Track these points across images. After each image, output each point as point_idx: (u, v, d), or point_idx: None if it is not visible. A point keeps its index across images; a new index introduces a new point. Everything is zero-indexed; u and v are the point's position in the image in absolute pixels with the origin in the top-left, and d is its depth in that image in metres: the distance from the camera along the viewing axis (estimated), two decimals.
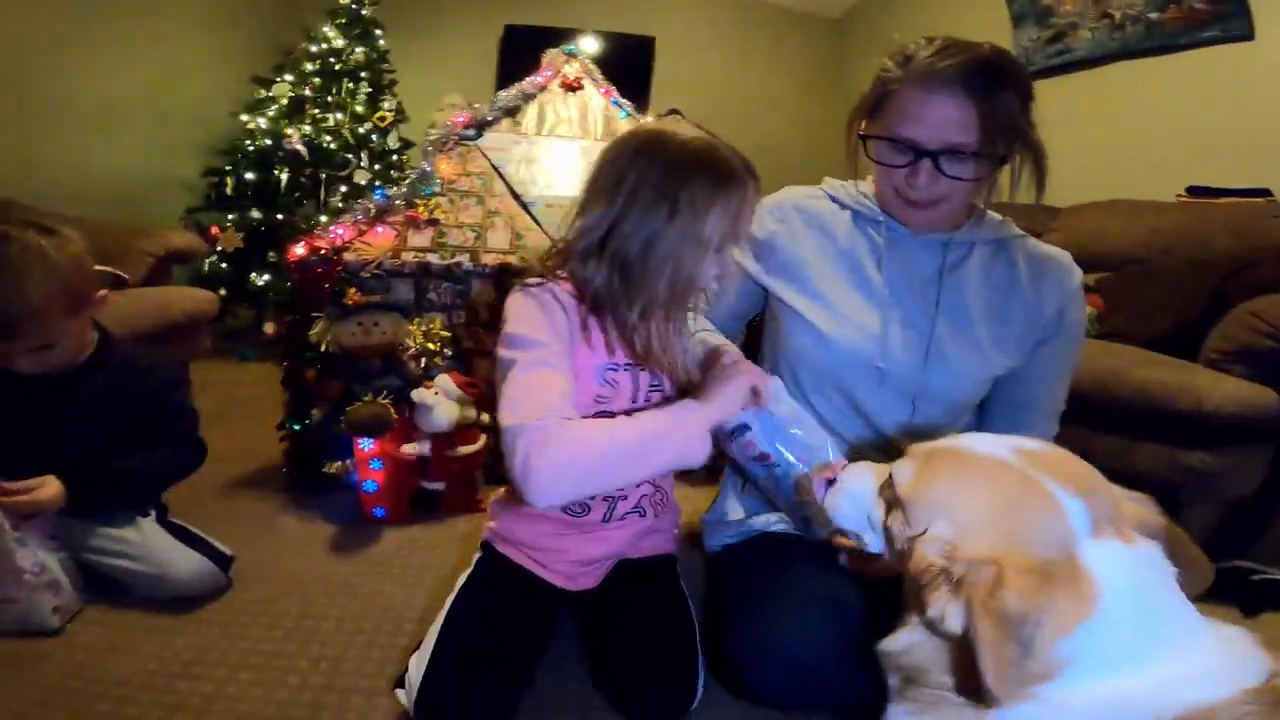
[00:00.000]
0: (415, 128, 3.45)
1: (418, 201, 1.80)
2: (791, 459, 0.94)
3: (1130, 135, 2.80)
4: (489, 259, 1.77)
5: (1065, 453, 0.67)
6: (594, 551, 1.07)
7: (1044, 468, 0.63)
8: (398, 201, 1.78)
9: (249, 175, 3.18)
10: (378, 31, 3.48)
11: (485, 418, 1.64)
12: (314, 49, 3.34)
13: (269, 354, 2.83)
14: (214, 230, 3.06)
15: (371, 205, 1.75)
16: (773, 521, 1.12)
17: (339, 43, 3.35)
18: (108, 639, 1.13)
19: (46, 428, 1.20)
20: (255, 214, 3.15)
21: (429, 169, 1.84)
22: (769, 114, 4.78)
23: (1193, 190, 2.30)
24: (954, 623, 0.58)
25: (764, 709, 1.02)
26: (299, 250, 1.62)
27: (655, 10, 4.70)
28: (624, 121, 2.15)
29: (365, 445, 1.53)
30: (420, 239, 1.77)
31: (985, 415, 1.12)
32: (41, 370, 1.17)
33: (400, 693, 0.97)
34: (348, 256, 1.65)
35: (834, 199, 1.13)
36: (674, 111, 3.95)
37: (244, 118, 3.28)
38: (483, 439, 1.63)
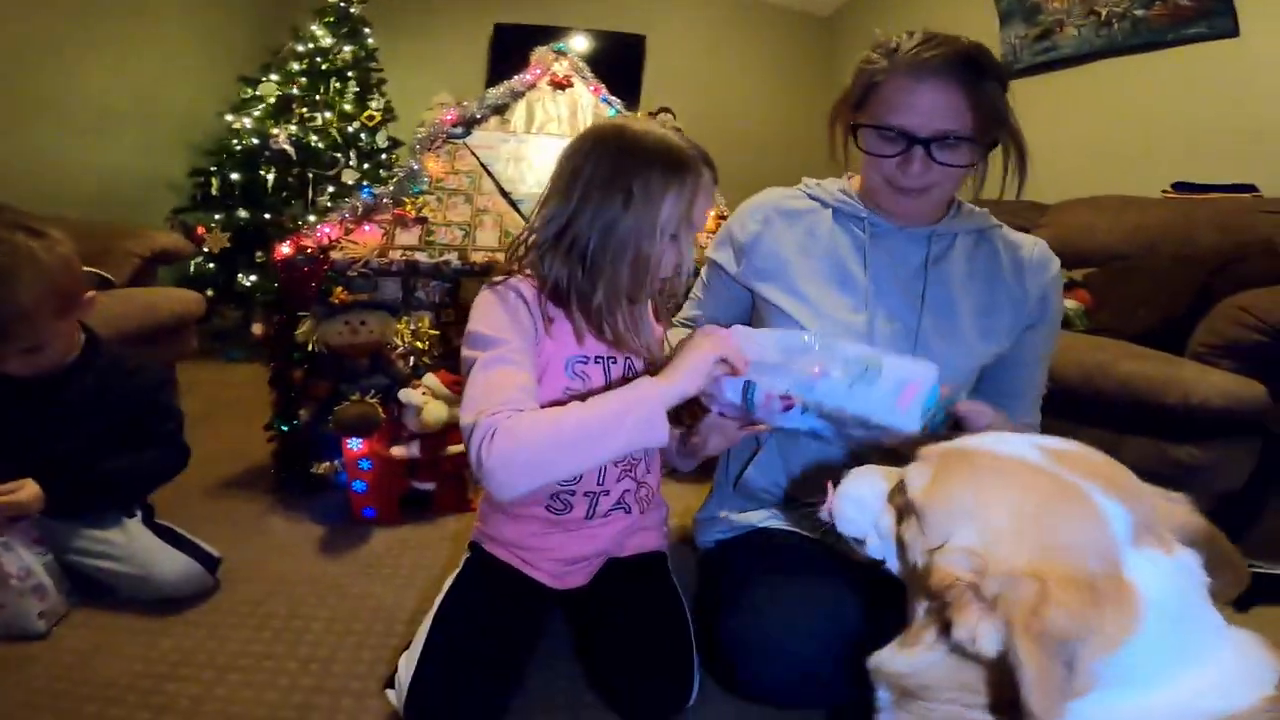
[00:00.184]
0: (404, 127, 3.42)
1: (405, 200, 1.79)
2: (839, 375, 0.85)
3: (1117, 131, 2.82)
4: (477, 257, 1.76)
5: (1094, 451, 0.61)
6: (580, 549, 1.07)
7: (1076, 468, 0.57)
8: (385, 200, 1.77)
9: (235, 175, 3.15)
10: (366, 30, 3.45)
11: None
12: (301, 48, 3.31)
13: (256, 354, 2.81)
14: (200, 230, 3.03)
15: (359, 204, 1.74)
16: (766, 517, 1.12)
17: (327, 41, 3.31)
18: (94, 641, 1.13)
19: (35, 429, 1.20)
20: (242, 214, 3.12)
21: (417, 167, 1.83)
22: (759, 111, 4.80)
23: (1179, 186, 2.32)
24: (988, 644, 0.51)
25: (759, 706, 1.01)
26: (285, 249, 1.60)
27: (646, 8, 4.69)
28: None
29: (354, 445, 1.52)
30: (408, 237, 1.76)
31: None
32: (30, 372, 1.16)
33: (390, 693, 0.97)
34: (334, 255, 1.63)
35: (814, 198, 1.13)
36: (664, 110, 3.95)
37: (230, 117, 3.24)
38: None
